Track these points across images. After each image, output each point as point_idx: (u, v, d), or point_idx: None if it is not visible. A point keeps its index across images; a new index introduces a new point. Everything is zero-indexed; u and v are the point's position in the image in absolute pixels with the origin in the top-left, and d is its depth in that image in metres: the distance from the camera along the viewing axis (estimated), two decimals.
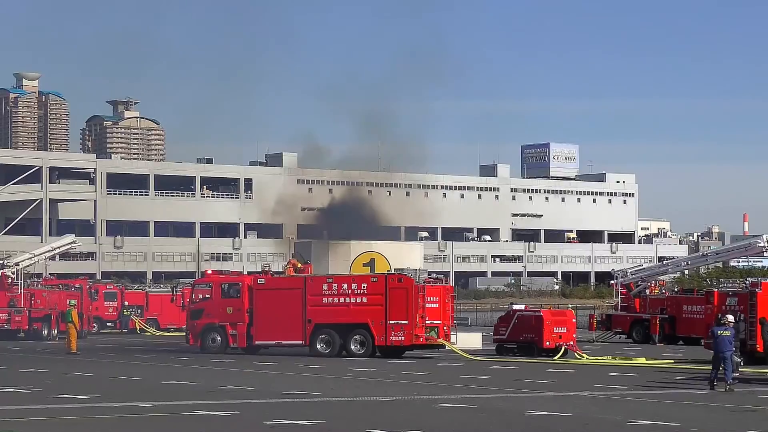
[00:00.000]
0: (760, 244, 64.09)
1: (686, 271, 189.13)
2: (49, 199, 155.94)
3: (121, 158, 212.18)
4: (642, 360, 46.49)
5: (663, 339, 62.60)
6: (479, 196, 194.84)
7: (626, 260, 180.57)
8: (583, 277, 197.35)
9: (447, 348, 48.58)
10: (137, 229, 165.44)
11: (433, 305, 47.79)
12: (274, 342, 49.73)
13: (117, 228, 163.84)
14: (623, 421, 25.07)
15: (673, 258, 75.49)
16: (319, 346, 48.03)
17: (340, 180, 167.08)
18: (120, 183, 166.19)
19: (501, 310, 74.71)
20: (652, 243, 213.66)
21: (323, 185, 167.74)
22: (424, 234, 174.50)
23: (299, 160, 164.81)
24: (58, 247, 75.64)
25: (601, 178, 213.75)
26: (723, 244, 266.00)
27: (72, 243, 76.71)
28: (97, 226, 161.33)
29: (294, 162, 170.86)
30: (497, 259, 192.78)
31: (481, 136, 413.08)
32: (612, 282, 76.69)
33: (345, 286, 48.25)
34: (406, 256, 65.81)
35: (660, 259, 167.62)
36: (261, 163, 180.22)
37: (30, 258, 68.83)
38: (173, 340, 61.98)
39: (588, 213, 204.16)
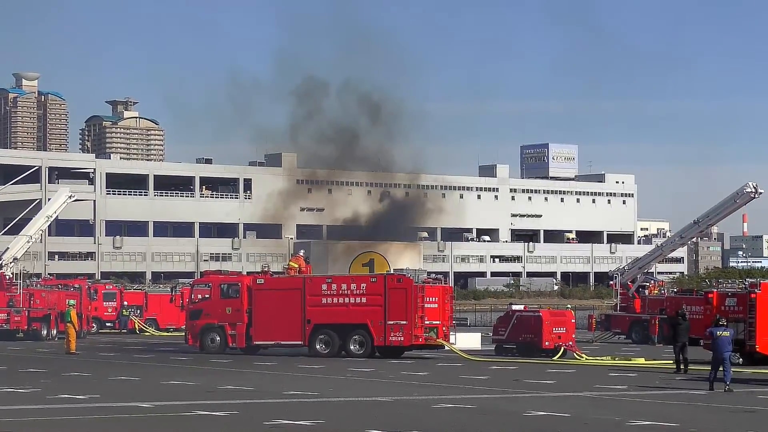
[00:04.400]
0: (747, 190, 63.83)
1: (685, 273, 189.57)
2: (48, 199, 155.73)
3: (121, 158, 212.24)
4: (641, 360, 46.52)
5: (662, 339, 62.56)
6: (478, 197, 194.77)
7: (625, 260, 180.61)
8: (582, 277, 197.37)
9: (446, 348, 48.58)
10: (136, 229, 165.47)
11: (432, 305, 47.78)
12: (273, 342, 49.72)
13: (116, 228, 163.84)
14: (622, 421, 25.08)
15: (670, 251, 74.15)
16: (318, 347, 48.03)
17: (340, 181, 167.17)
18: (119, 183, 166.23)
19: (500, 310, 74.76)
20: (651, 243, 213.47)
21: (323, 185, 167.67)
22: (423, 234, 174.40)
23: (298, 160, 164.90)
24: (54, 212, 72.16)
25: (600, 178, 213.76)
26: (723, 244, 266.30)
27: (68, 198, 72.49)
28: (97, 226, 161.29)
29: (293, 162, 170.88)
30: (496, 260, 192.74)
31: (481, 136, 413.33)
32: (611, 282, 76.63)
33: (344, 286, 48.25)
34: (405, 257, 65.80)
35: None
36: (260, 164, 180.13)
37: (27, 241, 67.88)
38: (172, 341, 61.96)
39: (587, 213, 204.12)
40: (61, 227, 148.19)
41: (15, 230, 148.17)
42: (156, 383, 34.64)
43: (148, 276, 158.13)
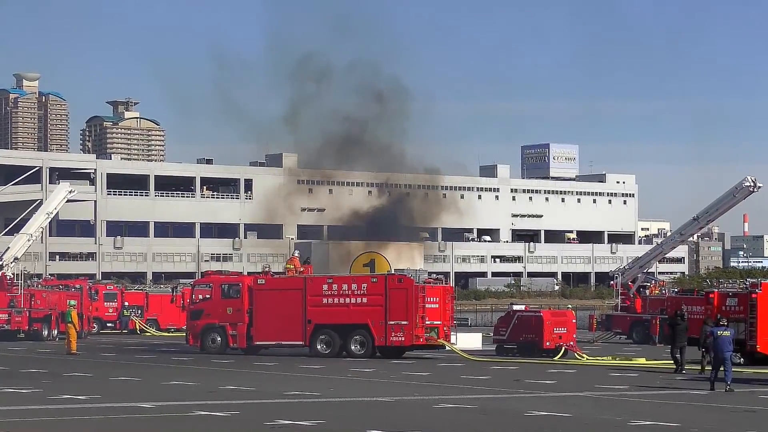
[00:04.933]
0: (746, 184, 63.86)
1: (686, 273, 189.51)
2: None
3: (121, 158, 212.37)
4: (642, 360, 46.54)
5: (663, 340, 62.50)
6: (479, 197, 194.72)
7: (626, 260, 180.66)
8: (583, 277, 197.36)
9: (447, 348, 48.58)
10: (137, 229, 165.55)
11: (433, 306, 47.80)
12: (274, 342, 49.73)
13: (117, 228, 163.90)
14: (624, 421, 25.08)
15: (670, 249, 73.97)
16: (319, 347, 48.04)
17: (341, 181, 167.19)
18: (120, 183, 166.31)
19: (501, 310, 74.65)
20: (652, 243, 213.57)
21: (324, 185, 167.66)
22: (424, 234, 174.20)
23: (299, 161, 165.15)
24: (55, 209, 71.71)
25: (601, 178, 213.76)
26: (723, 244, 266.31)
27: (68, 193, 72.01)
28: (97, 226, 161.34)
29: (294, 162, 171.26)
30: (497, 260, 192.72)
31: (481, 136, 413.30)
32: (612, 282, 76.60)
33: (345, 286, 48.26)
34: (406, 257, 65.75)
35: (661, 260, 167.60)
36: (261, 164, 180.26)
37: (28, 239, 67.71)
38: (173, 341, 61.98)
39: (588, 213, 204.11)
40: (62, 227, 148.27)
41: (16, 231, 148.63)
42: (157, 383, 34.64)
43: (149, 276, 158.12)
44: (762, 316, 44.10)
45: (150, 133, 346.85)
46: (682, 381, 37.12)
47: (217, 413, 25.81)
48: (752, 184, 63.71)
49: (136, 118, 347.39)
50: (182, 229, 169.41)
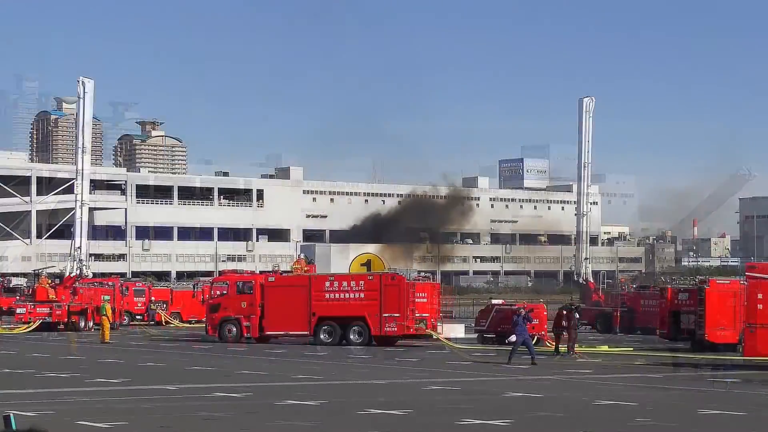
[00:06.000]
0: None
1: (643, 271, 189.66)
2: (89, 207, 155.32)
3: (149, 171, 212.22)
4: (605, 348, 46.55)
5: (623, 329, 62.61)
6: (462, 204, 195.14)
7: (591, 260, 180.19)
8: (552, 275, 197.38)
9: (434, 337, 48.57)
10: (163, 233, 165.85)
11: (422, 300, 47.82)
12: (282, 332, 49.73)
13: (145, 232, 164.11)
14: (589, 401, 25.08)
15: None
16: (322, 336, 48.02)
17: (341, 191, 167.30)
18: (148, 193, 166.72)
19: (481, 304, 74.52)
20: (613, 245, 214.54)
21: (326, 195, 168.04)
22: (425, 235, 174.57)
23: (304, 173, 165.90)
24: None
25: (568, 188, 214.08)
26: (675, 246, 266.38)
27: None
28: (128, 230, 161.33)
29: (300, 174, 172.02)
30: (478, 260, 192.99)
31: (463, 150, 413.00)
32: (578, 279, 76.74)
33: (345, 283, 48.29)
34: (398, 257, 65.75)
35: (620, 259, 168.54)
36: (271, 176, 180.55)
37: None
38: (194, 332, 61.86)
39: (557, 219, 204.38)
40: (97, 232, 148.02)
41: (56, 235, 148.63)
42: (180, 368, 34.61)
43: (173, 275, 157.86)
44: (710, 308, 44.19)
45: (174, 149, 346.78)
46: (640, 365, 37.05)
47: (233, 394, 25.79)
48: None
49: (162, 136, 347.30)
50: (202, 233, 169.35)
